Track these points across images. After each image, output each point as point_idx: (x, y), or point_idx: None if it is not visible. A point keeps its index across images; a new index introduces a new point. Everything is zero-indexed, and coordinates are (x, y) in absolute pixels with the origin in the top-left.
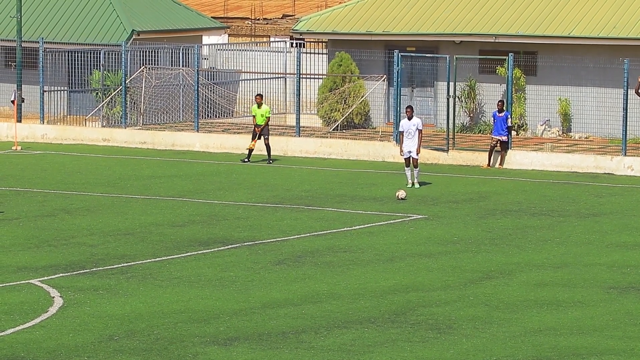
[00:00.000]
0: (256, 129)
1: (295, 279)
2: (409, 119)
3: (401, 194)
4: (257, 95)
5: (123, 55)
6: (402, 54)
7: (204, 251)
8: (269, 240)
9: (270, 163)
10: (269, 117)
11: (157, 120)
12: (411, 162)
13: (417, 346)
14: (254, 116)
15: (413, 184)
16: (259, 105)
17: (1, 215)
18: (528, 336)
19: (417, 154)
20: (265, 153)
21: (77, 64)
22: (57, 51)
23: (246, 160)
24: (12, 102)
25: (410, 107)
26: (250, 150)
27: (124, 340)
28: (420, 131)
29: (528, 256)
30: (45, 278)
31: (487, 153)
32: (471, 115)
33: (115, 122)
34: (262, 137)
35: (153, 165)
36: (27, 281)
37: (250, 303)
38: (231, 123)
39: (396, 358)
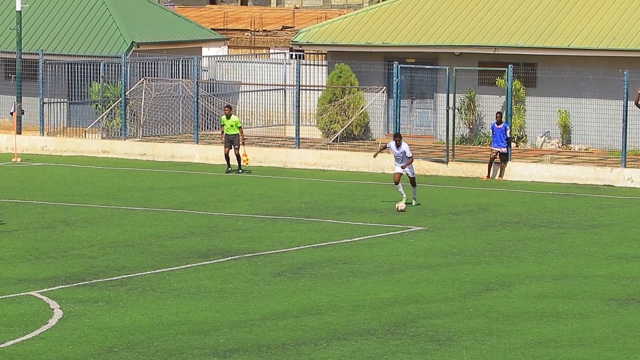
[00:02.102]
0: (225, 137)
1: (295, 291)
2: (397, 146)
3: (401, 205)
4: (226, 106)
5: (123, 67)
6: (401, 65)
7: (204, 263)
8: (268, 252)
9: (239, 173)
10: (241, 126)
11: (157, 132)
12: (407, 181)
13: (416, 358)
14: (222, 125)
15: (413, 200)
16: (228, 117)
17: (1, 227)
18: (528, 348)
19: (413, 174)
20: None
21: (77, 75)
22: (56, 63)
23: (229, 169)
24: (12, 114)
25: (398, 134)
26: (228, 157)
27: (124, 352)
28: (410, 158)
29: (528, 268)
30: (45, 290)
31: (487, 165)
32: (471, 126)
33: (115, 134)
34: (233, 146)
35: (153, 176)
36: (26, 293)
37: (249, 315)
38: None
39: None
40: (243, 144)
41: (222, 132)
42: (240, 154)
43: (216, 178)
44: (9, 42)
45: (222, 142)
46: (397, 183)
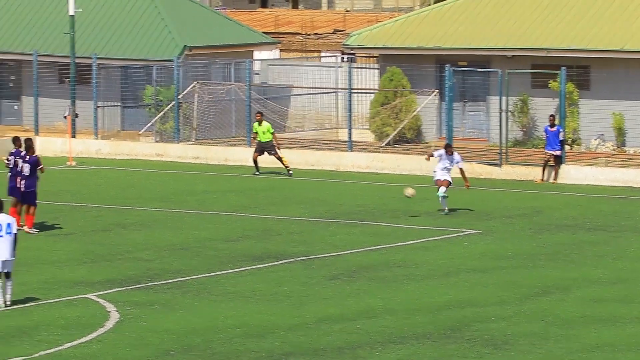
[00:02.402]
0: (258, 144)
1: (350, 294)
2: (450, 154)
3: (409, 191)
4: (257, 112)
5: (175, 71)
6: (453, 68)
7: (258, 266)
8: (323, 255)
9: (290, 175)
10: (274, 132)
11: (210, 135)
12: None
13: None
14: (255, 133)
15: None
16: (260, 123)
17: (57, 231)
18: (585, 352)
19: (448, 186)
20: (282, 166)
21: (130, 79)
22: (110, 67)
23: (257, 173)
24: (66, 117)
25: (450, 145)
26: (256, 162)
27: (180, 355)
28: (461, 169)
29: (584, 271)
30: (102, 293)
31: (541, 168)
32: (524, 129)
33: (168, 137)
34: (265, 153)
35: (206, 180)
36: (83, 296)
37: (305, 318)
38: (283, 138)
39: None
40: (279, 148)
41: (254, 139)
42: (281, 157)
43: (269, 181)
44: (62, 46)
45: (276, 146)
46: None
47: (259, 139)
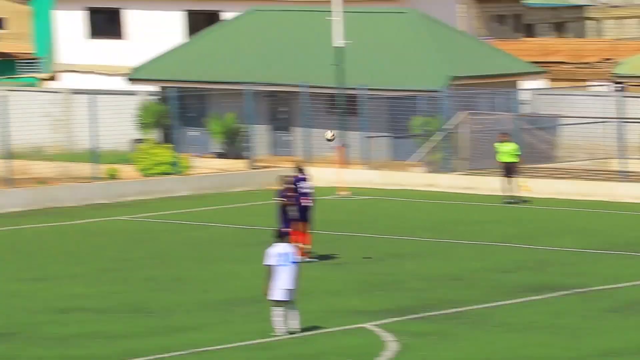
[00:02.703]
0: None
1: (632, 328)
2: None
3: (328, 134)
4: (502, 133)
5: (444, 101)
6: None
7: (534, 297)
8: (600, 287)
9: (515, 203)
10: (519, 154)
11: (480, 166)
12: None
13: None
14: (496, 152)
15: None
16: (502, 143)
17: (333, 260)
18: None
19: None
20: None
21: (396, 109)
22: (376, 97)
23: (511, 201)
24: (336, 147)
25: None
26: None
27: None
28: None
29: None
30: (378, 322)
31: None
32: None
33: (438, 168)
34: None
35: (477, 210)
36: (360, 325)
37: (584, 351)
38: (553, 168)
39: None
40: (518, 174)
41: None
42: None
43: (540, 212)
44: (331, 78)
45: (548, 177)
46: None
47: (500, 159)
